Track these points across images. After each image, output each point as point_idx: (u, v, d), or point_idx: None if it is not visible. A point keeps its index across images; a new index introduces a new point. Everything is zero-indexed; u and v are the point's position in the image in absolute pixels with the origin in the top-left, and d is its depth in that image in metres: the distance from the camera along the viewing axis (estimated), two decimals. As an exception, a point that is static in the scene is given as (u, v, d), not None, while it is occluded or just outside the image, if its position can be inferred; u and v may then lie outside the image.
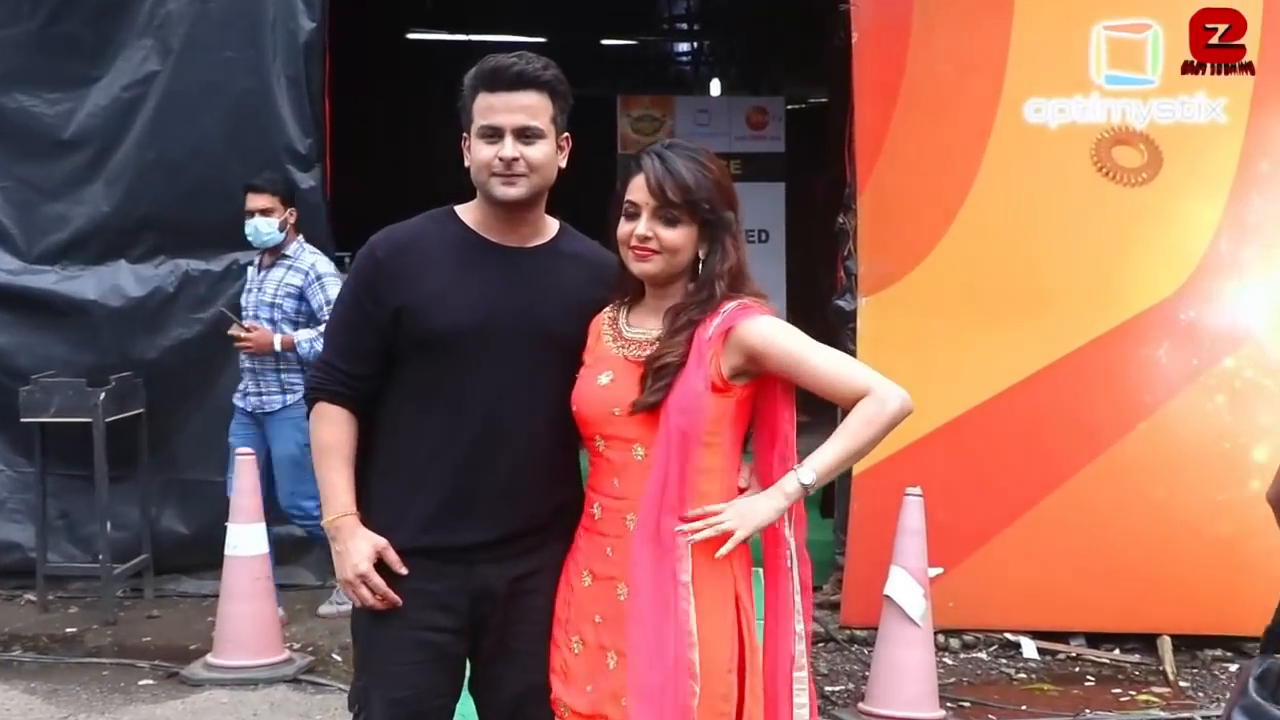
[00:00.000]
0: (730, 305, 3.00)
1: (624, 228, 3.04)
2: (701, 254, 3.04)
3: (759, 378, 3.04)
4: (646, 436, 2.98)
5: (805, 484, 2.94)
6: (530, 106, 3.10)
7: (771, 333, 2.99)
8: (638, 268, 3.04)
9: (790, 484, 2.95)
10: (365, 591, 3.13)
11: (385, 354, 3.16)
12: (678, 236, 3.00)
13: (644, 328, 3.09)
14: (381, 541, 3.13)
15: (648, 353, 3.02)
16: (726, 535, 2.92)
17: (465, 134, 3.16)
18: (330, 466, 3.19)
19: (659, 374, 2.96)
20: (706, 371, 2.95)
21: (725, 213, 3.04)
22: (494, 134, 3.08)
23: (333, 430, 3.19)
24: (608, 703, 3.00)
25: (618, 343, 3.10)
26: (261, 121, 7.22)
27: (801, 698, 3.09)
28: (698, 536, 2.92)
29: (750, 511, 2.94)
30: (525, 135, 3.09)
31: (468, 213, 3.23)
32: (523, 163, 3.08)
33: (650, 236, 2.99)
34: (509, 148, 3.07)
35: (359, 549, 3.12)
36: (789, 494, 2.95)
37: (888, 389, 2.95)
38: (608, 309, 3.18)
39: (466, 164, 3.16)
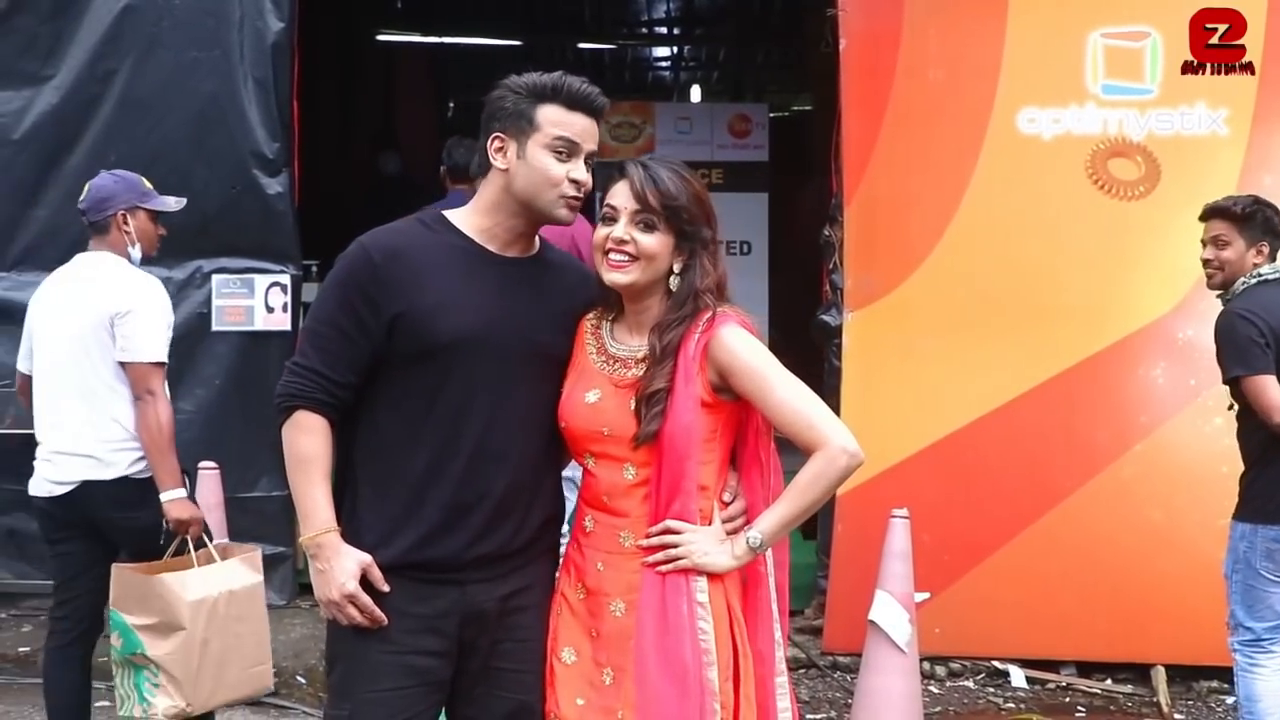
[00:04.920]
0: (707, 315, 3.04)
1: (600, 232, 3.08)
2: (676, 268, 3.07)
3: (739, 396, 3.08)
4: (636, 456, 3.03)
5: (754, 547, 3.04)
6: (596, 134, 3.15)
7: (738, 349, 3.03)
8: (610, 277, 3.06)
9: (740, 547, 3.05)
10: (353, 611, 3.06)
11: (371, 363, 3.08)
12: (654, 243, 3.03)
13: (628, 345, 3.11)
14: (366, 558, 3.07)
15: (632, 371, 3.05)
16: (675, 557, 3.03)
17: (501, 133, 3.10)
18: (311, 480, 3.09)
19: (651, 401, 2.99)
20: (695, 390, 3.00)
21: (703, 228, 3.08)
22: (570, 151, 3.08)
23: (313, 441, 3.09)
24: (601, 718, 3.03)
25: (601, 356, 3.13)
26: (228, 124, 7.11)
27: (784, 702, 3.17)
28: (656, 563, 3.02)
29: (704, 551, 3.02)
30: (587, 160, 3.13)
31: (463, 220, 3.18)
32: (584, 188, 3.12)
33: (628, 240, 3.02)
34: (584, 171, 3.10)
35: (345, 567, 3.05)
36: (738, 556, 3.05)
37: (838, 444, 3.00)
38: (590, 316, 3.21)
39: (501, 166, 3.11)
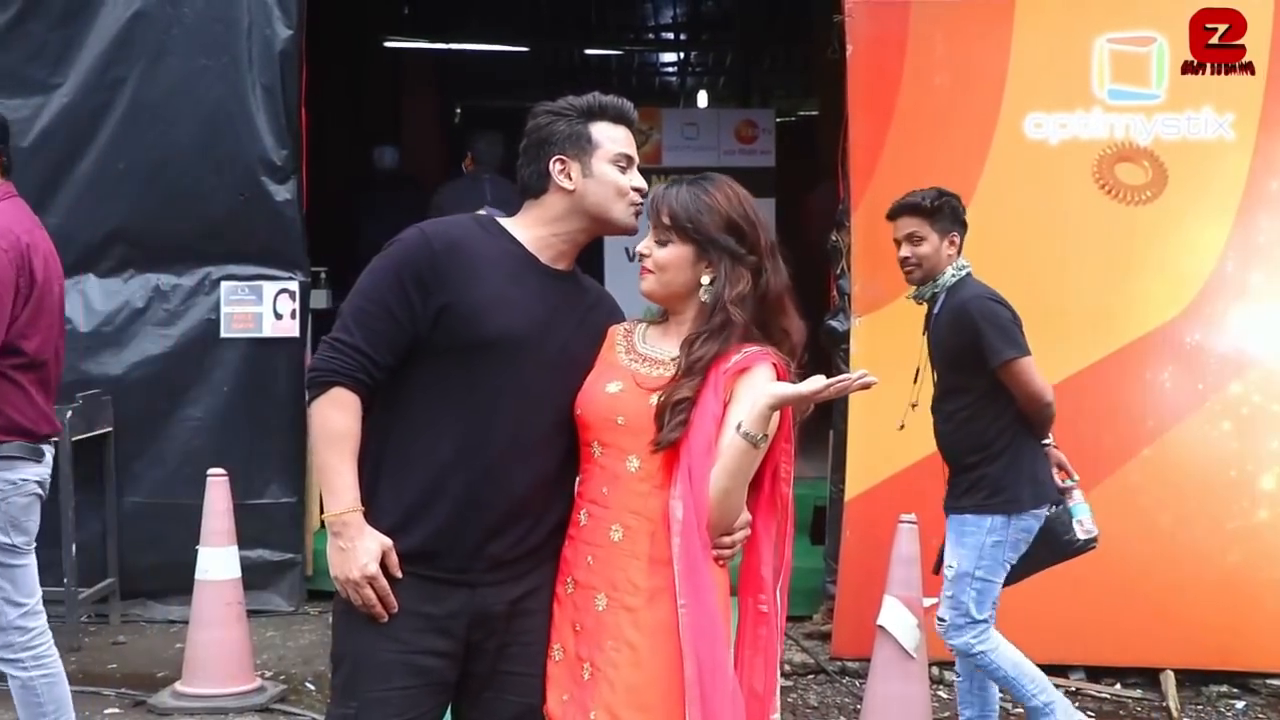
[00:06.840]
0: (753, 348, 3.11)
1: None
2: (705, 280, 3.16)
3: None
4: (644, 450, 3.07)
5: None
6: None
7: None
8: (640, 286, 3.21)
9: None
10: (369, 592, 3.08)
11: (409, 349, 3.12)
12: (665, 255, 3.16)
13: (659, 347, 3.21)
14: (388, 542, 3.09)
15: (659, 371, 3.14)
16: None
17: (562, 156, 3.22)
18: (342, 457, 3.11)
19: (675, 409, 3.05)
20: (716, 408, 3.06)
21: (723, 239, 3.13)
22: (628, 163, 3.25)
23: (347, 419, 3.12)
24: (579, 715, 3.06)
25: (630, 355, 3.22)
26: (236, 131, 7.15)
27: None
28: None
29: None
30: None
31: (518, 229, 3.26)
32: (643, 193, 3.27)
33: (647, 253, 3.19)
34: (641, 178, 3.26)
35: (367, 548, 3.07)
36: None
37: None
38: (624, 323, 3.33)
39: (569, 186, 3.21)
